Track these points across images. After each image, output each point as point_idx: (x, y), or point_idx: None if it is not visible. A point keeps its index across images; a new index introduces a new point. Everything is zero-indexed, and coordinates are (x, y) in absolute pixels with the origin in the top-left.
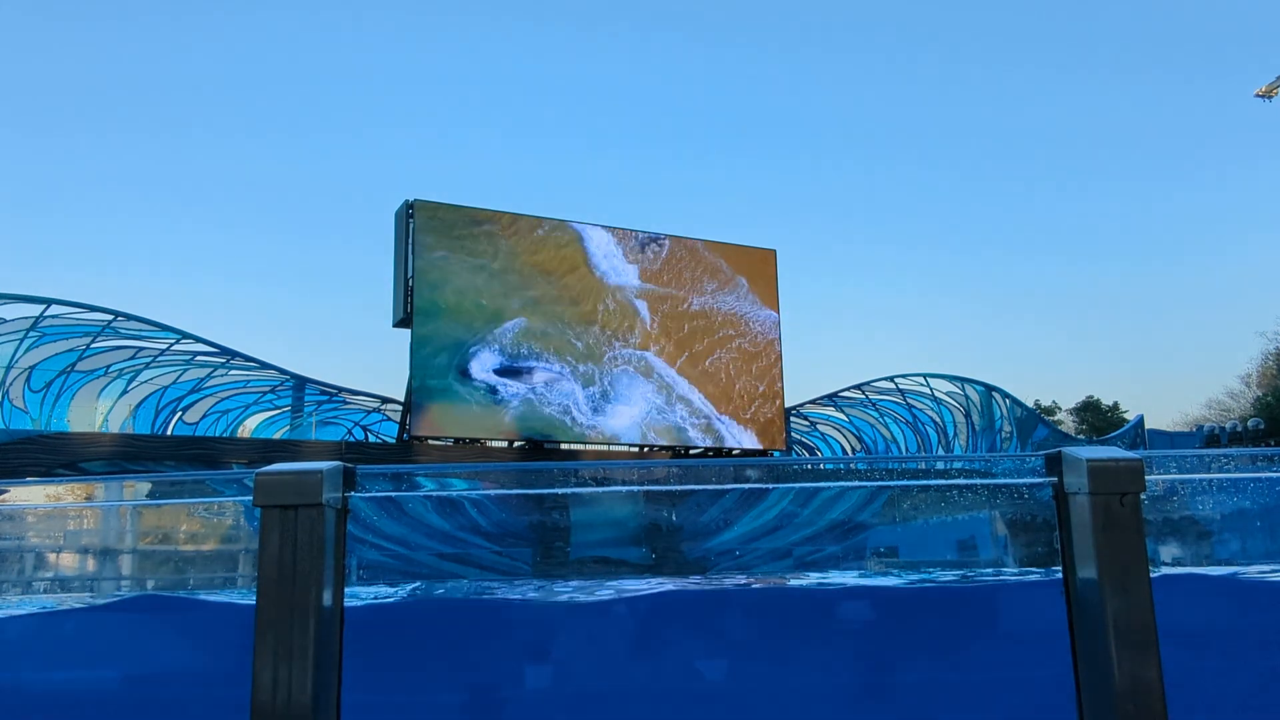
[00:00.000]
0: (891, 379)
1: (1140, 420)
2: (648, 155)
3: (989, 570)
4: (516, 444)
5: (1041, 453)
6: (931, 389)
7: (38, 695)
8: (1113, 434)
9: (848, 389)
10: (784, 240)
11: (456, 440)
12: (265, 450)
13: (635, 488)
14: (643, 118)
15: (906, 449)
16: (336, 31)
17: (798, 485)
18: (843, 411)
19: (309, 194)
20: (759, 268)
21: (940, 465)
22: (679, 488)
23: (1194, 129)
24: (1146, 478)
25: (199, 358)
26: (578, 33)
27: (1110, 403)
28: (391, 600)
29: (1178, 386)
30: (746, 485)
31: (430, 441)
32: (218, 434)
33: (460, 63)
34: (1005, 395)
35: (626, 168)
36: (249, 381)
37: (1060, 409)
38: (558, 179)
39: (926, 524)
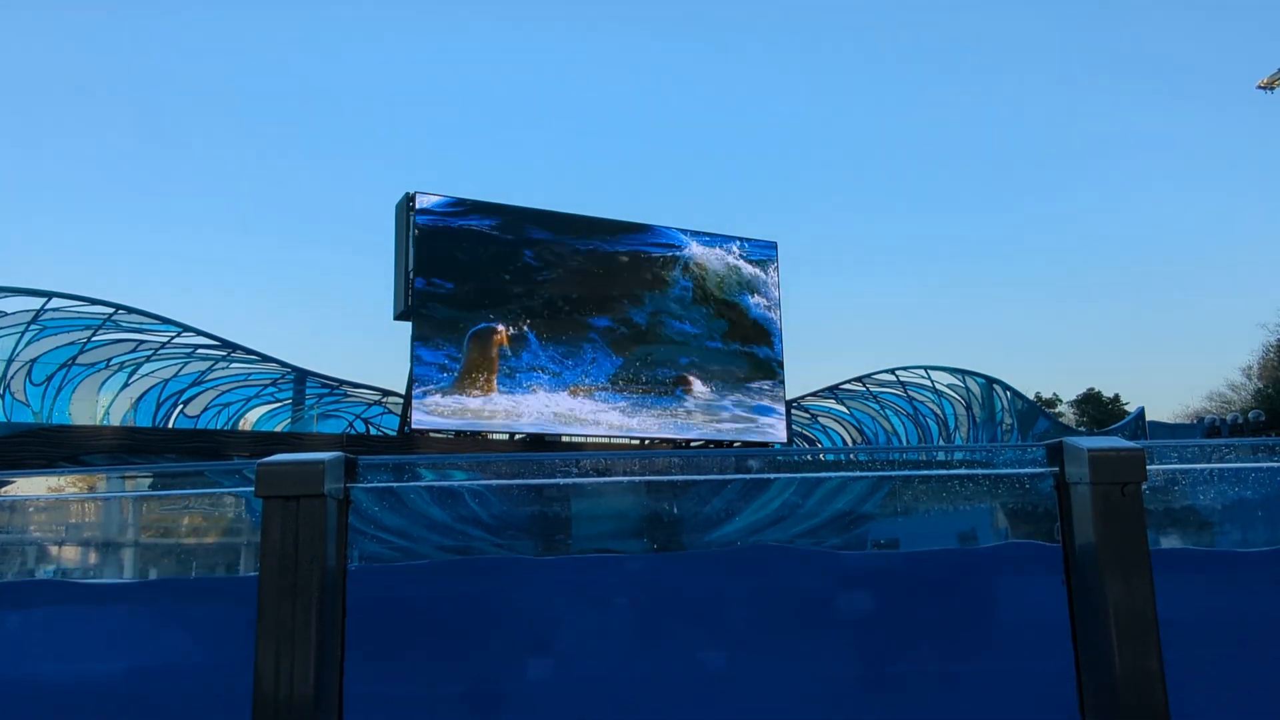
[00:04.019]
0: (892, 371)
1: (1141, 412)
2: (649, 148)
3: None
4: (518, 437)
5: (1043, 443)
6: (932, 381)
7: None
8: (1114, 426)
9: (849, 381)
10: (785, 232)
11: (458, 433)
12: (266, 443)
13: (636, 478)
14: (644, 110)
15: (907, 441)
16: (338, 21)
17: (799, 476)
18: (844, 404)
19: (310, 186)
20: (760, 260)
21: (941, 456)
22: (680, 478)
23: (1193, 120)
24: (1147, 467)
25: (200, 351)
26: (578, 25)
27: (1111, 395)
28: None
29: (1178, 379)
30: (748, 475)
31: (432, 434)
32: (219, 427)
33: (462, 55)
34: (1006, 387)
35: (628, 161)
36: (250, 375)
37: (1061, 401)
38: (558, 172)
39: (928, 515)
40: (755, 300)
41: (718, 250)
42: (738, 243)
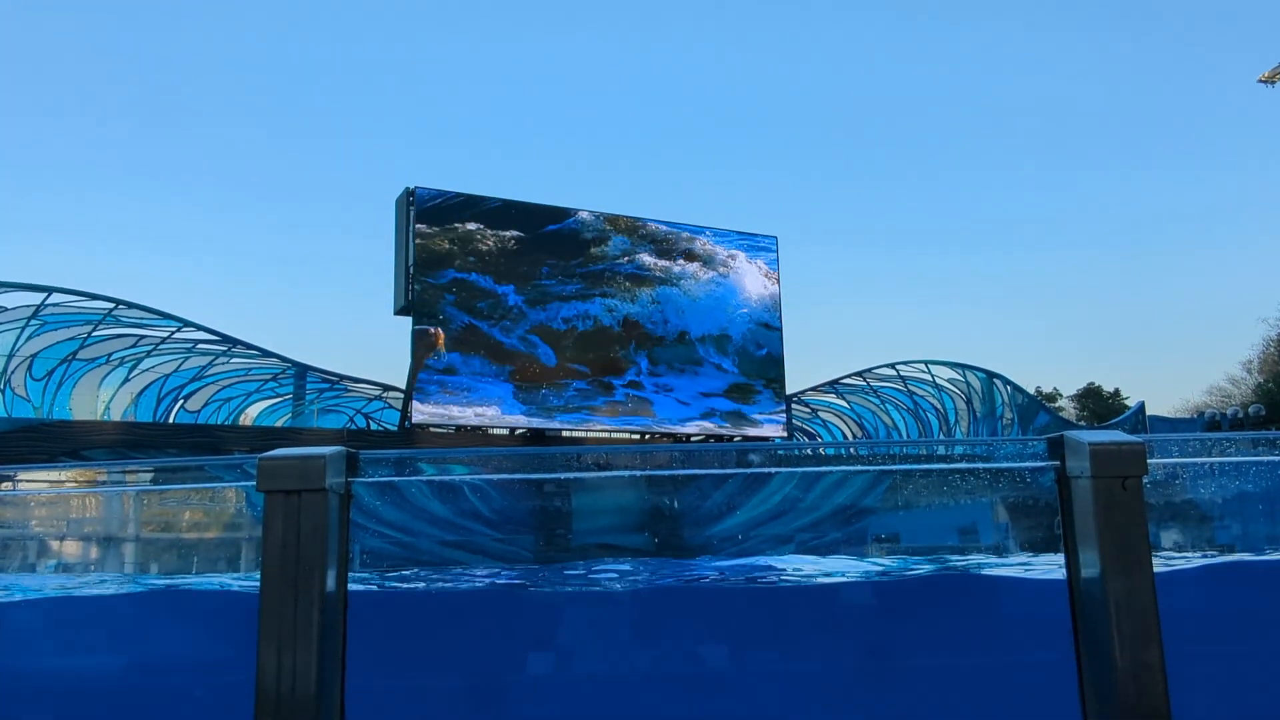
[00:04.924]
0: (893, 365)
1: (1141, 406)
2: (650, 143)
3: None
4: (519, 432)
5: (1044, 436)
6: (933, 376)
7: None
8: (1114, 420)
9: (849, 375)
10: (785, 226)
11: (459, 428)
12: (267, 438)
13: (637, 472)
14: (644, 105)
15: (908, 436)
16: (340, 16)
17: (800, 470)
18: (844, 398)
19: (310, 181)
20: (760, 254)
21: (942, 450)
22: (681, 472)
23: (1194, 114)
24: (1148, 461)
25: (200, 346)
26: (579, 20)
27: (1111, 389)
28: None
29: (1179, 373)
30: (748, 469)
31: (432, 429)
32: (219, 422)
33: (462, 50)
34: (1006, 382)
35: (629, 156)
36: (251, 369)
37: (1061, 396)
38: (559, 167)
39: (928, 509)
40: (747, 297)
41: (714, 245)
42: (736, 238)
